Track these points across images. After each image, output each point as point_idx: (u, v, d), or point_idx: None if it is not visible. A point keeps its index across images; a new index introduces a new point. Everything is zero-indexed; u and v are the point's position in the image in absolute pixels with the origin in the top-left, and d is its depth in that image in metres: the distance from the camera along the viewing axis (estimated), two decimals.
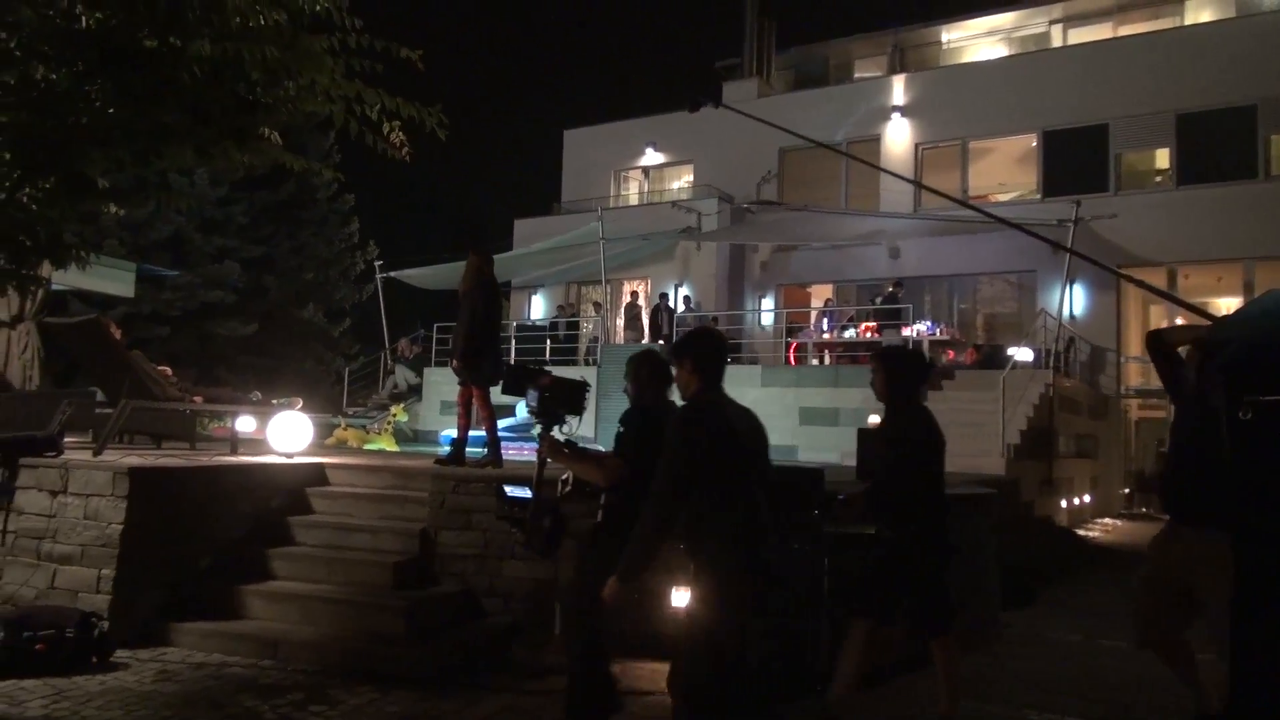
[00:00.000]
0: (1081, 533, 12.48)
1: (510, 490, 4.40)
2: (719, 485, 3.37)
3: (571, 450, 4.16)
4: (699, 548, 3.40)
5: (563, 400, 4.26)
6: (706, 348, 3.60)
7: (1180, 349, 3.99)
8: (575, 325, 19.71)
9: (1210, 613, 3.75)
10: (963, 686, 4.51)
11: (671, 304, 18.47)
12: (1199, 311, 4.32)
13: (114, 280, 14.90)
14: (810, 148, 20.62)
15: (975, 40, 21.95)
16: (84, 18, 4.11)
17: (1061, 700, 5.00)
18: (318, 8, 4.52)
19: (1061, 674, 5.54)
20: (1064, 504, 12.86)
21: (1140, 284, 5.16)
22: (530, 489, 4.29)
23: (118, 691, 4.79)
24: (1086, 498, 14.26)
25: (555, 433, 4.18)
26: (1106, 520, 14.84)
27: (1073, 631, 6.63)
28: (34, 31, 4.15)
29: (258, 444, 8.69)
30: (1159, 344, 4.13)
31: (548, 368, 4.51)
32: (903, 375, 4.48)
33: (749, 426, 3.57)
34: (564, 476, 4.25)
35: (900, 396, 4.45)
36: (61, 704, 4.59)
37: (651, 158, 22.80)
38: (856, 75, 22.85)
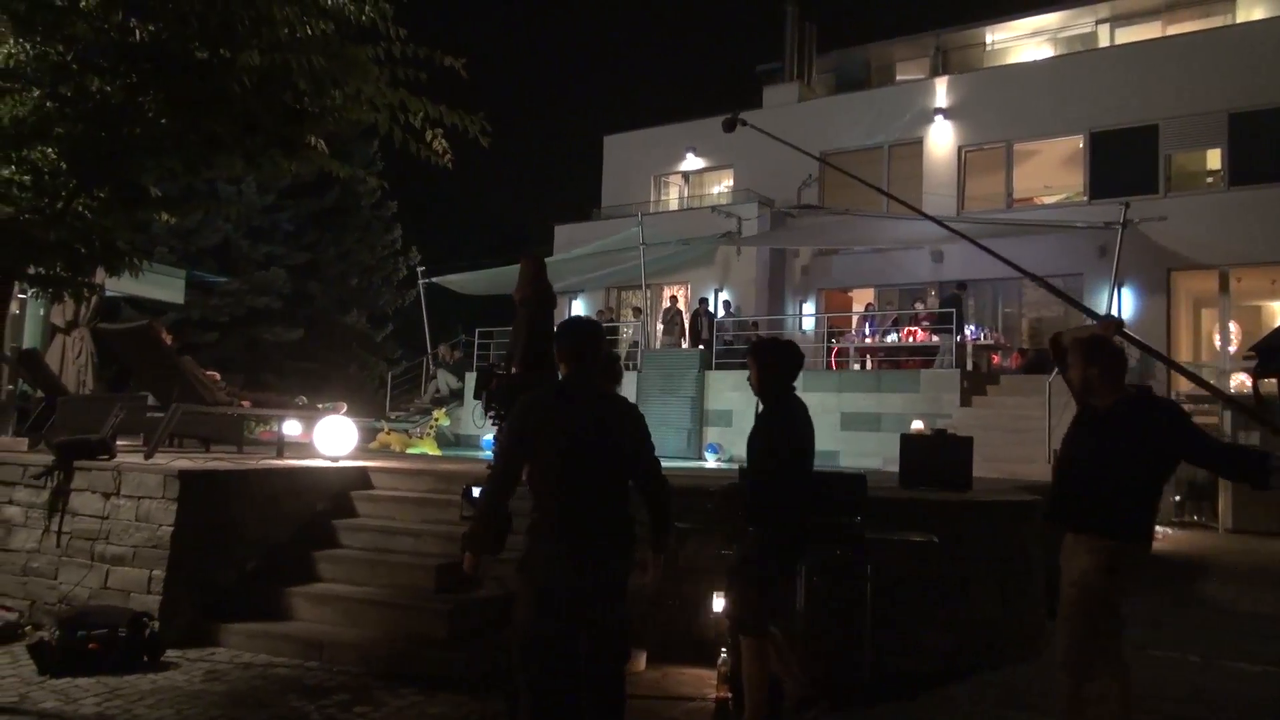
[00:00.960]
0: None
1: (476, 491, 4.44)
2: (536, 475, 3.39)
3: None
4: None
5: (505, 401, 4.30)
6: (568, 334, 3.62)
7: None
8: (614, 330, 19.75)
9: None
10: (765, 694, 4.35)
11: (711, 309, 18.43)
12: (1088, 312, 4.29)
13: (164, 287, 15.22)
14: (852, 151, 20.53)
15: (1020, 41, 21.64)
16: (137, 31, 4.21)
17: None
18: (363, 18, 4.58)
19: None
20: None
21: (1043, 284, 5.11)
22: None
23: (168, 690, 4.89)
24: None
25: None
26: (1156, 528, 14.52)
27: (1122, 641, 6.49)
28: (89, 45, 4.26)
29: (303, 448, 8.82)
30: (1056, 348, 4.11)
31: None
32: (776, 369, 4.41)
33: (596, 418, 3.47)
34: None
35: (773, 391, 4.39)
36: (114, 702, 4.69)
37: (691, 163, 22.78)
38: (898, 78, 22.63)
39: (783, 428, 4.31)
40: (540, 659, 3.31)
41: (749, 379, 4.48)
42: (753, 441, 4.37)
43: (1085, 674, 3.70)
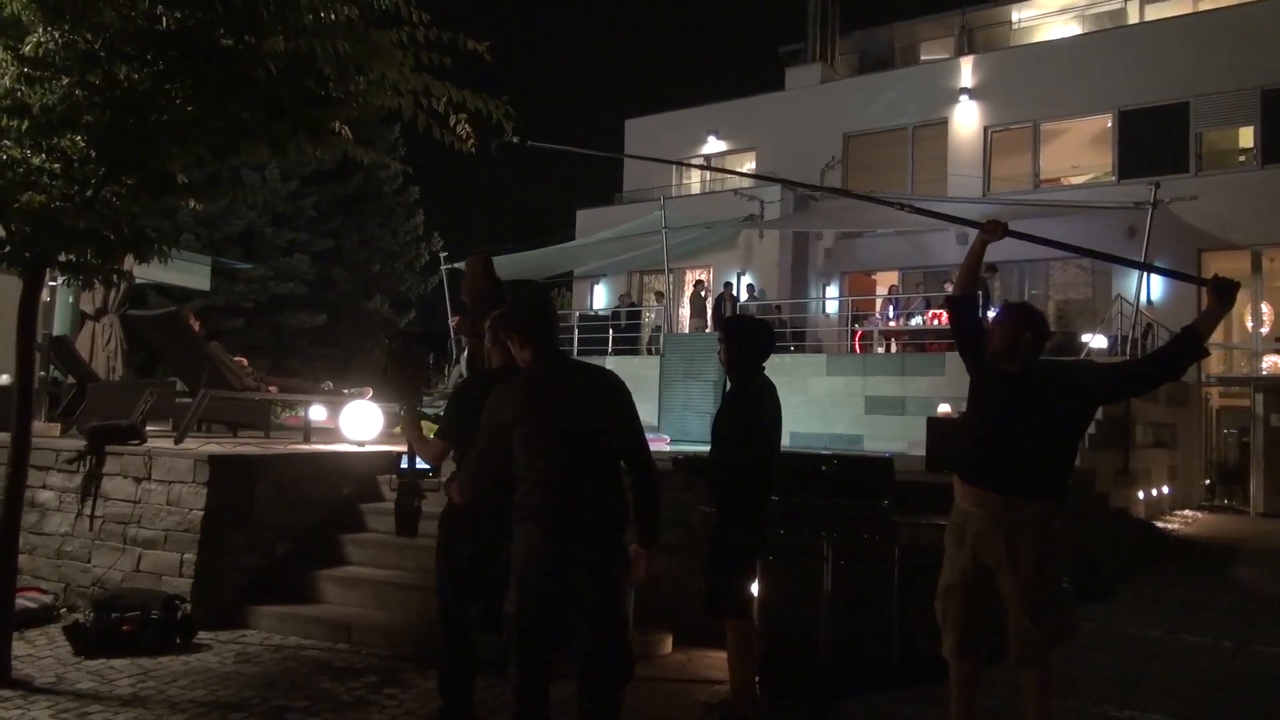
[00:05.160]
0: (1160, 525, 12.09)
1: (404, 463, 4.47)
2: (519, 460, 3.33)
3: (424, 427, 4.20)
4: None
5: (399, 378, 4.31)
6: (527, 316, 3.49)
7: None
8: (637, 314, 19.73)
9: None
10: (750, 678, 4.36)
11: (735, 293, 18.37)
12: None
13: (190, 274, 15.33)
14: (875, 133, 20.35)
15: (1047, 19, 21.32)
16: (164, 18, 4.21)
17: (1143, 697, 4.86)
18: (385, 3, 4.55)
19: (1143, 670, 5.38)
20: (1141, 495, 12.47)
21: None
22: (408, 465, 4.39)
23: (201, 672, 4.96)
24: (1165, 489, 13.81)
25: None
26: (1186, 512, 14.37)
27: (1153, 626, 6.44)
28: (117, 33, 4.26)
29: (329, 433, 8.89)
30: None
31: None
32: (746, 346, 4.35)
33: (569, 396, 3.38)
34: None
35: (743, 368, 4.33)
36: (148, 683, 4.76)
37: (713, 146, 22.64)
38: (923, 58, 22.38)
39: (749, 407, 4.27)
40: (532, 641, 3.31)
41: (719, 356, 4.45)
42: (718, 420, 4.35)
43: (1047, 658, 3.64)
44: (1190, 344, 3.54)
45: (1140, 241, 13.72)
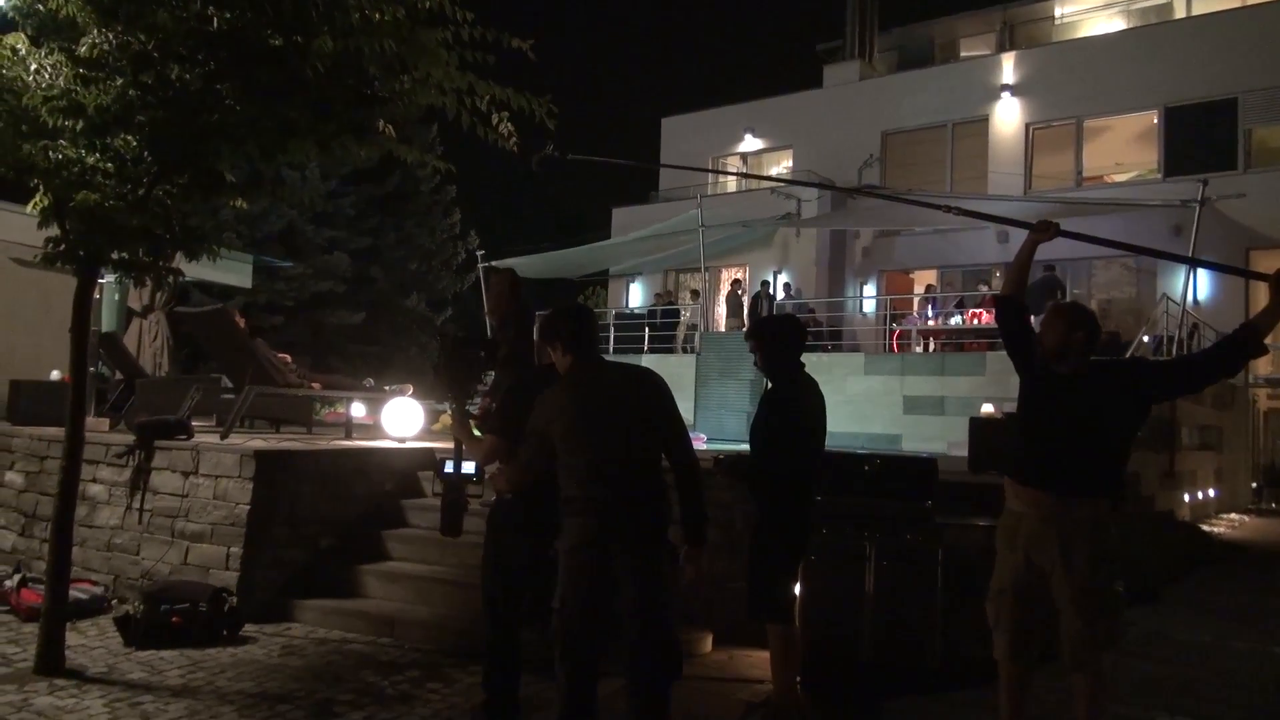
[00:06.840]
0: (1206, 528, 11.87)
1: (449, 466, 4.46)
2: (559, 458, 3.41)
3: (478, 425, 4.23)
4: None
5: (451, 376, 4.31)
6: (565, 325, 3.54)
7: None
8: (672, 313, 19.71)
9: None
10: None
11: (772, 291, 18.29)
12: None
13: (233, 271, 15.52)
14: (914, 130, 20.16)
15: (1091, 14, 20.97)
16: (215, 19, 4.27)
17: (1193, 704, 4.77)
18: (430, 3, 4.58)
19: (1192, 676, 5.28)
20: (1186, 498, 12.25)
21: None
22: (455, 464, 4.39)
23: (248, 664, 5.03)
24: (1211, 492, 13.56)
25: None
26: (1233, 515, 14.10)
27: (1201, 632, 6.32)
28: (169, 34, 4.33)
29: (369, 429, 8.98)
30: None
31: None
32: (781, 346, 4.28)
33: (605, 396, 3.44)
34: None
35: (780, 369, 4.27)
36: (197, 674, 4.84)
37: (750, 144, 22.56)
38: (963, 54, 22.13)
39: (789, 404, 4.22)
40: (576, 635, 3.33)
41: (754, 361, 4.41)
42: (757, 419, 4.29)
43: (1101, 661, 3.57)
44: (1249, 341, 3.46)
45: (1187, 240, 13.47)
